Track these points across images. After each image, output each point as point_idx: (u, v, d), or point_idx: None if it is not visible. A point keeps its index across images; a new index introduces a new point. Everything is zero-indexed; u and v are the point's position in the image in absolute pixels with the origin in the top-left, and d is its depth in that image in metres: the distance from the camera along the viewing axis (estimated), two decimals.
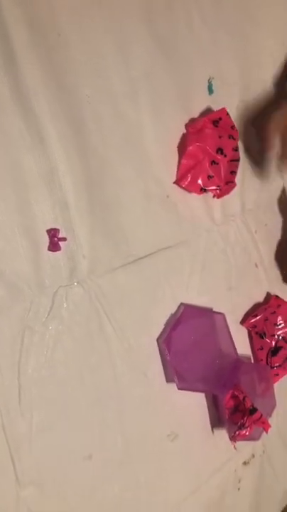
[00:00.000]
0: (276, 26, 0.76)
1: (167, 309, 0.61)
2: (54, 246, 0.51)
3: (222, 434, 0.66)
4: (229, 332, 0.65)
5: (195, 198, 0.65)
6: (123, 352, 0.57)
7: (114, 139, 0.57)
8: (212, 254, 0.67)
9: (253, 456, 0.72)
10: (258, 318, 0.71)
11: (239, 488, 0.71)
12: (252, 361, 0.72)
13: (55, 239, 0.51)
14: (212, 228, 0.67)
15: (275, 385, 0.71)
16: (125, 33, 0.57)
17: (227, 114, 0.64)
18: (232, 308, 0.70)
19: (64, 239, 0.52)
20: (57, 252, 0.52)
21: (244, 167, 0.71)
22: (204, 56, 0.66)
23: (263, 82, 0.74)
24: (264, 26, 0.74)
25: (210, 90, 0.66)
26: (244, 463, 0.72)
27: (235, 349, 0.66)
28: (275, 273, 0.76)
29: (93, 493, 0.54)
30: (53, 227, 0.51)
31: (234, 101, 0.70)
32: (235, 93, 0.70)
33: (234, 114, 0.69)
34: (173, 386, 0.59)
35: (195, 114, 0.65)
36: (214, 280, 0.68)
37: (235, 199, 0.70)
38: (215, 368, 0.63)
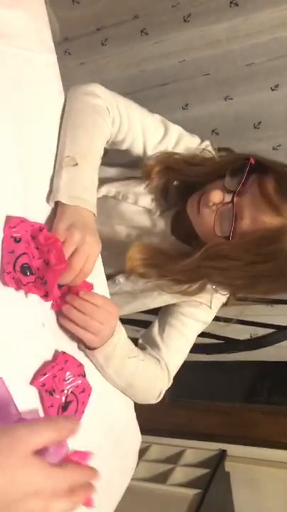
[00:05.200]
0: None
1: None
2: None
3: None
4: (9, 394, 0.66)
5: None
6: None
7: None
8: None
9: None
10: (46, 376, 0.73)
11: None
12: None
13: None
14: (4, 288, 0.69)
15: None
16: None
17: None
18: (20, 369, 0.71)
19: None
20: None
21: None
22: None
23: None
24: None
25: None
26: None
27: (17, 410, 0.66)
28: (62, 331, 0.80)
29: None
30: None
31: None
32: None
33: None
34: None
35: None
36: (0, 343, 0.69)
37: None
38: None
